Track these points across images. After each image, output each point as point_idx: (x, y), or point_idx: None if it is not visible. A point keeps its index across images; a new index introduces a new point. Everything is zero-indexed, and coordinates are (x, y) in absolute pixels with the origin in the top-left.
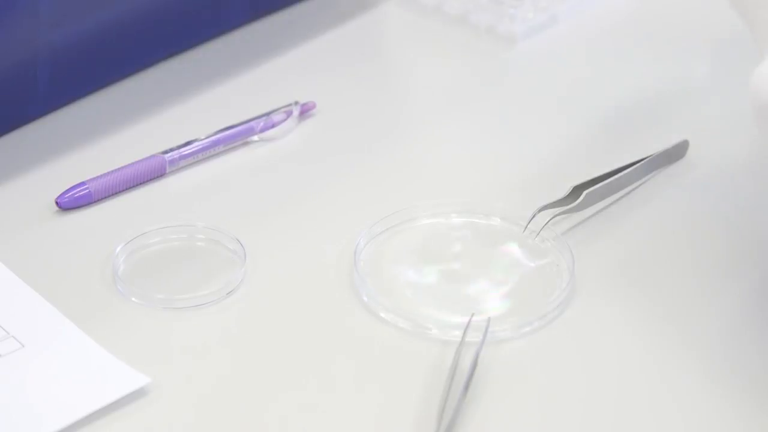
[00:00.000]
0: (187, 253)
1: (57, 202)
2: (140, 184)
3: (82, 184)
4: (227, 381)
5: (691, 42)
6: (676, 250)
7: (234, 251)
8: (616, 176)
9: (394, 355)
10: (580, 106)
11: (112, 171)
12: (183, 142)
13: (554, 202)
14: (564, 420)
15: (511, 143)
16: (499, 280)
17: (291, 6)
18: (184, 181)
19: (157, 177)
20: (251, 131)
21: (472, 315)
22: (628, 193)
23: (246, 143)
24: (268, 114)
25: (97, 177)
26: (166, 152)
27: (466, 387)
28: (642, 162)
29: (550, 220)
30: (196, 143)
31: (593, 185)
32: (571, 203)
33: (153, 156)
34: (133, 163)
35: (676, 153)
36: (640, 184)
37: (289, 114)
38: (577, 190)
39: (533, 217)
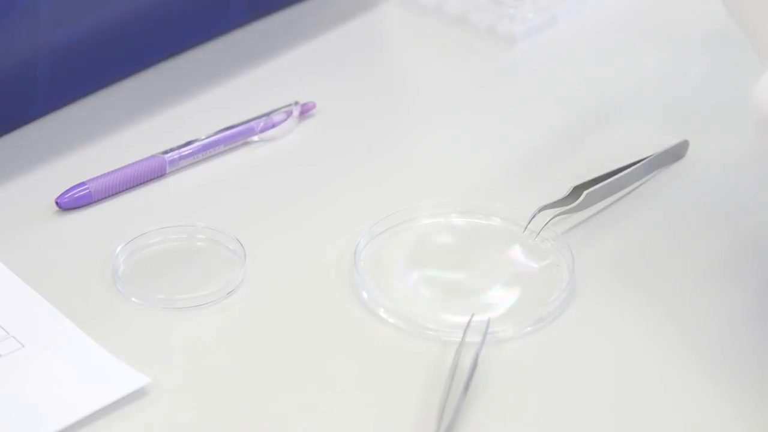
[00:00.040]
0: (187, 253)
1: (57, 202)
2: (140, 184)
3: (82, 184)
4: (227, 381)
5: (691, 42)
6: (676, 250)
7: (234, 251)
8: (616, 176)
9: (394, 355)
10: (580, 106)
11: (112, 171)
12: (183, 142)
13: (554, 203)
14: (564, 420)
15: (511, 143)
16: (499, 281)
17: (291, 6)
18: (184, 181)
19: (157, 177)
20: (251, 131)
21: (472, 315)
22: (628, 193)
23: (246, 143)
24: (268, 114)
25: (97, 177)
26: (166, 152)
27: (466, 387)
28: (642, 162)
29: (550, 220)
30: (196, 143)
31: (593, 185)
32: (571, 203)
33: (153, 156)
34: (133, 163)
35: (676, 153)
36: (640, 184)
37: (289, 114)
38: (577, 190)
39: (533, 217)
